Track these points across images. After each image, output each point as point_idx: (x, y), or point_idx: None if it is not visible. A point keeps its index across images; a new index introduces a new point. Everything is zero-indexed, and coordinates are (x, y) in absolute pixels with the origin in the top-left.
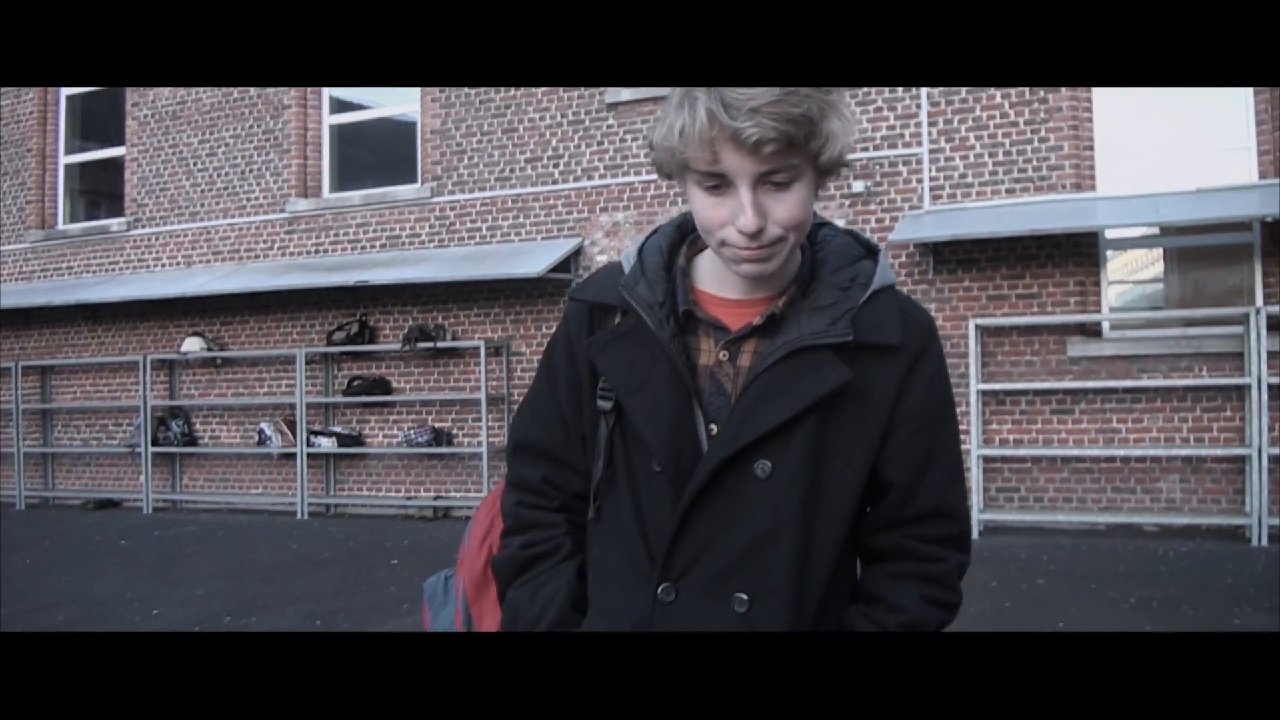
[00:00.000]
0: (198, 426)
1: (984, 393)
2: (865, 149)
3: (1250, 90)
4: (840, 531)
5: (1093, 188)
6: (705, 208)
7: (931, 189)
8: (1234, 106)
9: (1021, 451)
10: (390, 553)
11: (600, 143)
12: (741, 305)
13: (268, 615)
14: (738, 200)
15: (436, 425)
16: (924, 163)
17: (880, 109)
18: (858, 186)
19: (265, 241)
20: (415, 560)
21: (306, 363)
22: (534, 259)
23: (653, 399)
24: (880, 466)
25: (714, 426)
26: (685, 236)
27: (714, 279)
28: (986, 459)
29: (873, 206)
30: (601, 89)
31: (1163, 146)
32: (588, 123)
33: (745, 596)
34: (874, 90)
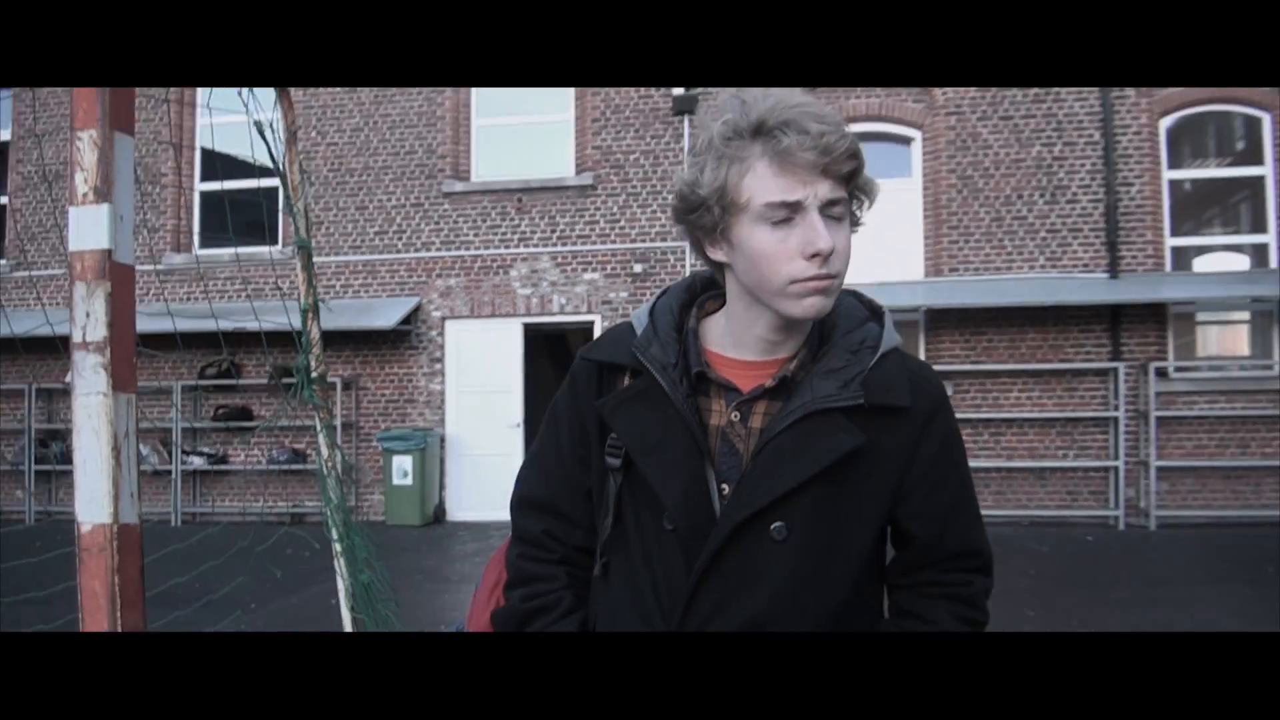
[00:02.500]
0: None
1: None
2: (645, 240)
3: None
4: (853, 589)
5: None
6: (773, 243)
7: (691, 272)
8: (910, 208)
9: None
10: (251, 550)
11: (436, 222)
12: (752, 367)
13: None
14: (807, 227)
15: (294, 447)
16: (686, 253)
17: (655, 212)
18: (638, 268)
19: (141, 288)
20: (279, 556)
21: (181, 393)
22: (383, 314)
23: (667, 459)
24: (904, 522)
25: (725, 486)
26: (695, 298)
27: (724, 341)
28: None
29: (649, 284)
30: (439, 180)
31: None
32: (426, 205)
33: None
34: (650, 194)
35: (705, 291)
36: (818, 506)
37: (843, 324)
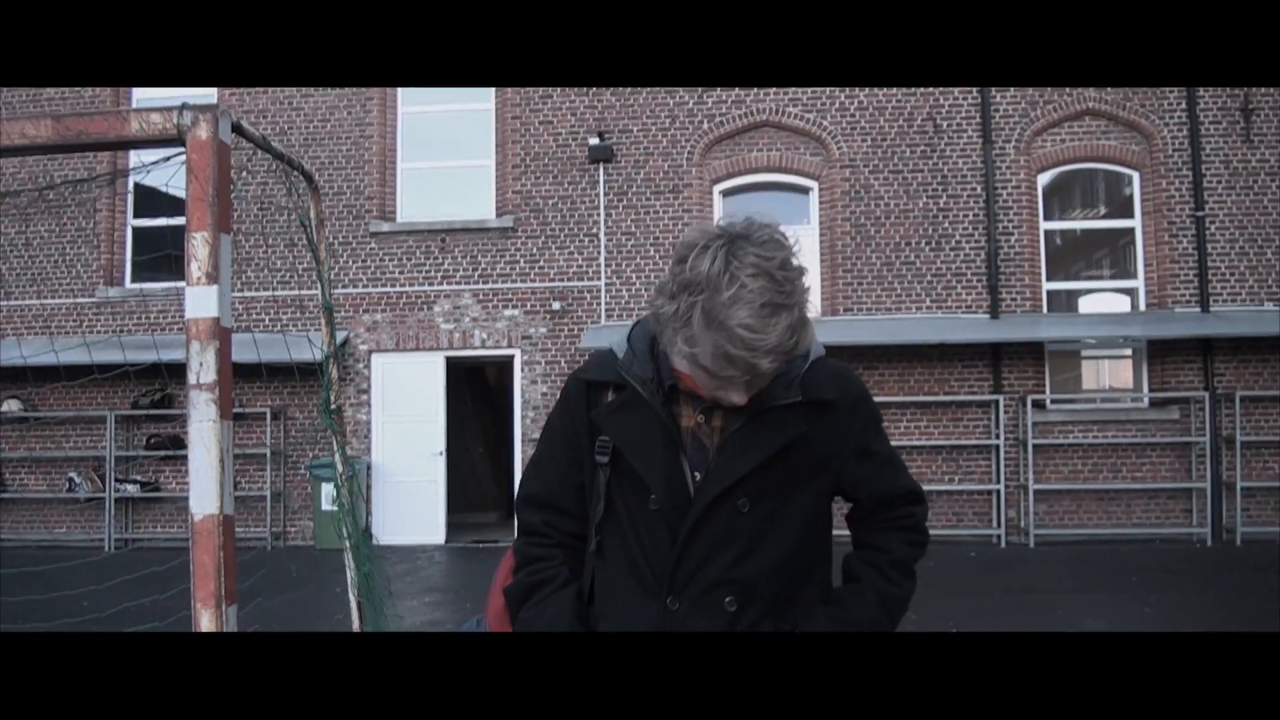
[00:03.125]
0: (6, 476)
1: None
2: (562, 279)
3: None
4: (800, 539)
5: None
6: (704, 378)
7: (606, 310)
8: None
9: None
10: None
11: (363, 260)
12: None
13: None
14: (734, 387)
15: None
16: (601, 292)
17: (572, 254)
18: (556, 305)
19: (74, 320)
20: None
21: (114, 422)
22: (311, 347)
23: (651, 454)
24: (851, 486)
25: (698, 474)
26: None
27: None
28: None
29: (566, 321)
30: (367, 220)
31: None
32: (354, 244)
33: (732, 599)
34: (567, 237)
35: None
36: (771, 482)
37: None
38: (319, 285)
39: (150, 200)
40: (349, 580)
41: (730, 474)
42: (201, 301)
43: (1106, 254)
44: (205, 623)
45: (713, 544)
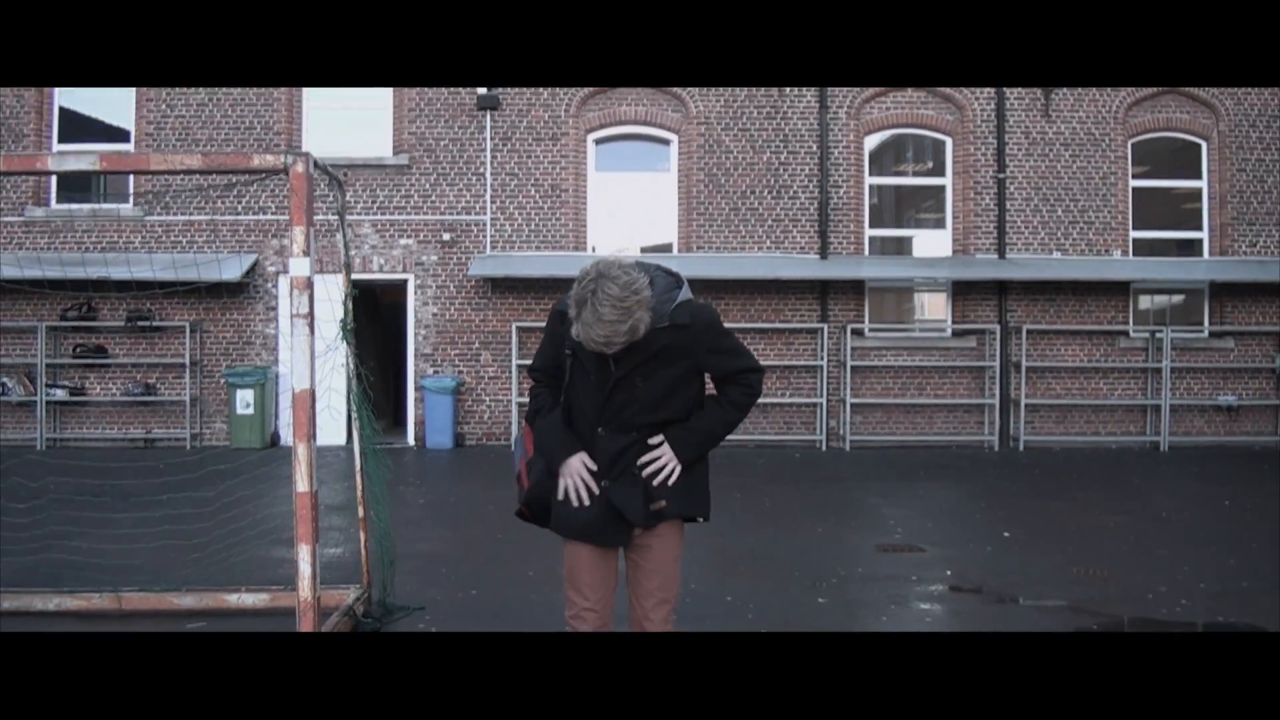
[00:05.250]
0: None
1: (521, 367)
2: (452, 213)
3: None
4: (679, 399)
5: (585, 247)
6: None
7: (491, 242)
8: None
9: None
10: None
11: (272, 190)
12: None
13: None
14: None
15: (146, 381)
16: (486, 226)
17: (461, 191)
18: (446, 237)
19: (4, 238)
20: (134, 476)
21: (44, 333)
22: (227, 268)
23: (590, 355)
24: (710, 373)
25: (614, 365)
26: None
27: None
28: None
29: (455, 250)
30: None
31: (633, 221)
32: (265, 175)
33: (635, 432)
34: (457, 175)
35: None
36: (654, 368)
37: (658, 293)
38: (343, 253)
39: (74, 126)
40: (355, 446)
41: (629, 365)
42: (300, 266)
43: (931, 205)
44: (300, 452)
45: (621, 401)
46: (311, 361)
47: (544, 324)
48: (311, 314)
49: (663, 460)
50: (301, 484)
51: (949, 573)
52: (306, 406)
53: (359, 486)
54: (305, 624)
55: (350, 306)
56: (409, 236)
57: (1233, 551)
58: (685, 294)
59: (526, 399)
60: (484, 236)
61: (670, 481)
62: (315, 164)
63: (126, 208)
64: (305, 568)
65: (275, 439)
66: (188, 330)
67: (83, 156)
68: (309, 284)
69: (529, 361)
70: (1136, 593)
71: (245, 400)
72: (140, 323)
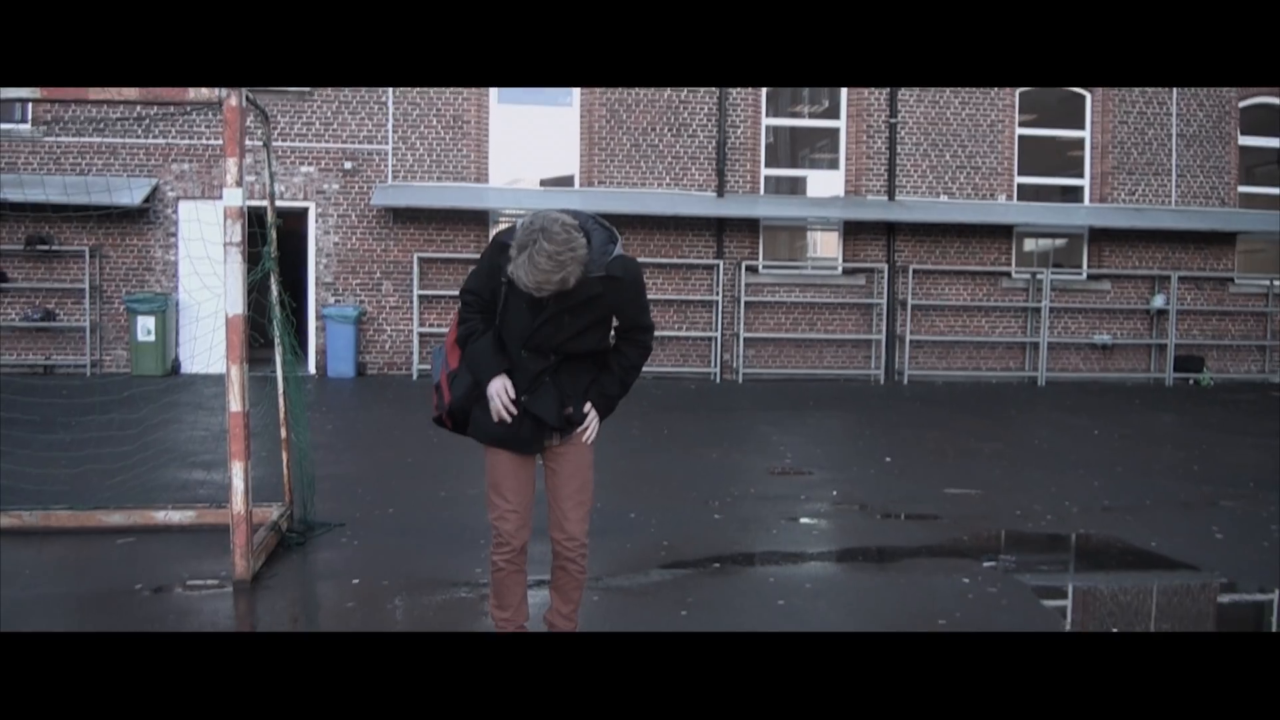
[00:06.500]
0: None
1: (422, 297)
2: (354, 142)
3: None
4: (602, 338)
5: (487, 179)
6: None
7: (393, 171)
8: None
9: None
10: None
11: (172, 115)
12: None
13: None
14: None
15: (45, 307)
16: (388, 156)
17: (363, 119)
18: (348, 165)
19: None
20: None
21: None
22: (127, 192)
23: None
24: (620, 321)
25: (549, 301)
26: None
27: None
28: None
29: (357, 179)
30: None
31: (542, 154)
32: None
33: (554, 356)
34: (359, 104)
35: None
36: (581, 311)
37: (596, 245)
38: (268, 195)
39: None
40: (278, 366)
41: (560, 305)
42: (233, 196)
43: (825, 146)
44: (234, 374)
45: (547, 332)
46: (244, 288)
47: (445, 255)
48: (245, 241)
49: (593, 424)
50: (235, 404)
51: (835, 493)
52: (240, 330)
53: (281, 409)
54: (239, 537)
55: (274, 236)
56: (310, 164)
57: (1097, 475)
58: (619, 249)
59: (429, 329)
60: (385, 166)
61: (591, 438)
62: (247, 98)
63: (25, 127)
64: (238, 483)
65: (176, 367)
66: (87, 255)
67: (23, 87)
68: (241, 213)
69: (430, 292)
70: (1006, 509)
71: (146, 327)
72: (39, 247)
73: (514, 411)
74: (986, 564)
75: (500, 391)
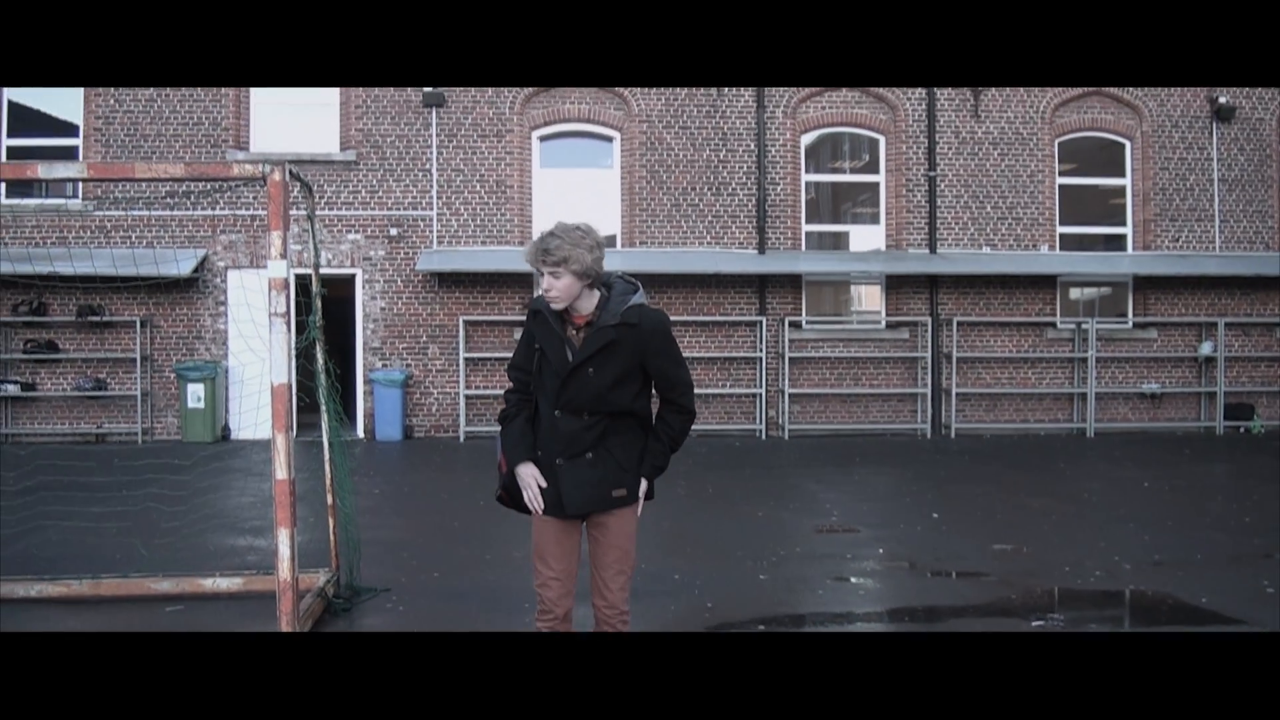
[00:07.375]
0: None
1: (468, 360)
2: (399, 209)
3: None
4: (629, 396)
5: (521, 241)
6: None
7: (438, 237)
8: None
9: None
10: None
11: (221, 186)
12: (581, 315)
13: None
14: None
15: (97, 376)
16: (433, 221)
17: (408, 186)
18: (394, 232)
19: None
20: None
21: None
22: (177, 263)
23: (551, 346)
24: (650, 372)
25: (571, 356)
26: None
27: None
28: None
29: (402, 245)
30: (223, 149)
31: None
32: None
33: (587, 415)
34: (403, 171)
35: None
36: (603, 360)
37: (615, 294)
38: (313, 265)
39: (21, 121)
40: (324, 434)
41: (583, 355)
42: (278, 268)
43: (867, 199)
44: (279, 442)
45: (575, 388)
46: (290, 357)
47: (490, 318)
48: (290, 312)
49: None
50: (280, 472)
51: (881, 550)
52: (285, 399)
53: (327, 475)
54: (285, 603)
55: (319, 305)
56: (356, 231)
57: (1148, 529)
58: (640, 298)
59: (475, 391)
60: (430, 231)
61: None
62: (291, 172)
63: (75, 202)
64: (285, 550)
65: (226, 433)
66: (138, 325)
67: (71, 165)
68: (286, 284)
69: (475, 355)
70: (1055, 566)
71: (196, 394)
72: (91, 318)
73: (540, 503)
74: (1035, 623)
75: (529, 478)
